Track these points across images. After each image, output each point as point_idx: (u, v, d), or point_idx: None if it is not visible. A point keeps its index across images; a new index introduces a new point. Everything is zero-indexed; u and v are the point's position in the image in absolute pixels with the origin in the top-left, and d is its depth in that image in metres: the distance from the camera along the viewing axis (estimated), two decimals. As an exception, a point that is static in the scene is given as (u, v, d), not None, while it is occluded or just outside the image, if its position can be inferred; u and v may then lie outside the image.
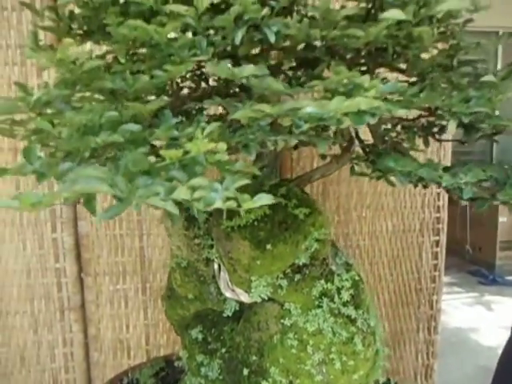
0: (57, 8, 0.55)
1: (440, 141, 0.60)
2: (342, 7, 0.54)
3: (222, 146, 0.34)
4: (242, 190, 0.38)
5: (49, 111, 0.41)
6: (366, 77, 0.31)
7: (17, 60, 1.14)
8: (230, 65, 0.34)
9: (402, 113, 0.31)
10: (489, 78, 0.41)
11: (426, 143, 0.57)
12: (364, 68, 0.46)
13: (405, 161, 0.39)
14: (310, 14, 0.40)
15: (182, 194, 0.25)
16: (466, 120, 0.37)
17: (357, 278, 0.57)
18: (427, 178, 0.39)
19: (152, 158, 0.30)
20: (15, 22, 1.12)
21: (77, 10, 0.58)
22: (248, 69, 0.32)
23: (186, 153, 0.28)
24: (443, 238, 1.41)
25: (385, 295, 1.40)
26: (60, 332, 1.25)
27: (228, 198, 0.26)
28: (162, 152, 0.27)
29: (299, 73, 0.43)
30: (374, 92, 0.30)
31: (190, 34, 0.50)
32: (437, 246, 1.41)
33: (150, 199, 0.24)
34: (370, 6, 0.43)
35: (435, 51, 0.58)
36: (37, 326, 1.24)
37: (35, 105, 0.38)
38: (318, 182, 1.18)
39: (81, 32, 0.60)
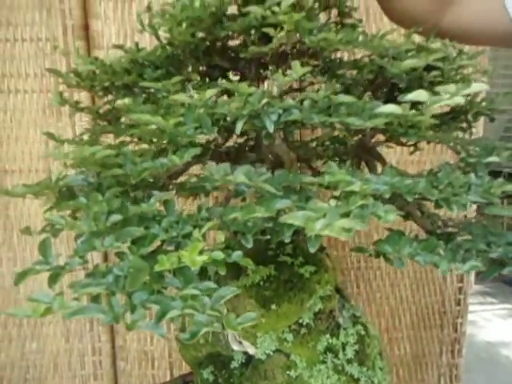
0: (79, 71, 0.59)
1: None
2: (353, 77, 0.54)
3: (221, 236, 0.36)
4: (248, 252, 0.40)
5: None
6: (357, 183, 0.32)
7: (50, 87, 1.21)
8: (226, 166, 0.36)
9: (393, 217, 0.32)
10: (493, 158, 0.40)
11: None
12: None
13: (402, 243, 0.39)
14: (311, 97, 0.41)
15: (172, 314, 0.27)
16: (463, 210, 0.37)
17: (362, 332, 0.58)
18: (424, 263, 0.39)
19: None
20: (49, 51, 1.19)
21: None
22: (240, 176, 0.34)
23: (181, 261, 0.30)
24: (469, 261, 1.37)
25: (407, 317, 1.39)
26: (90, 341, 1.33)
27: (215, 317, 0.28)
28: (158, 263, 0.30)
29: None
30: (365, 200, 0.31)
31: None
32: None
33: (140, 326, 0.27)
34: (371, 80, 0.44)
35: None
36: (68, 335, 1.32)
37: (54, 188, 0.42)
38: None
39: (101, 88, 0.64)
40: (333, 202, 0.32)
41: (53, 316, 1.31)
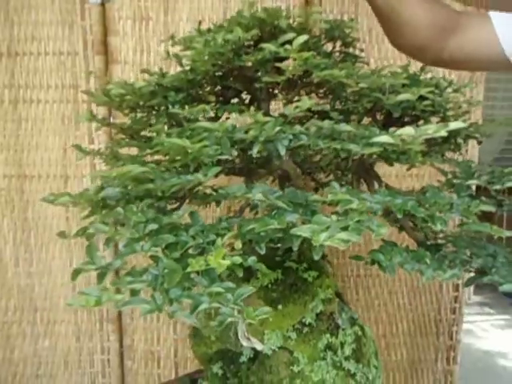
0: (109, 92, 0.66)
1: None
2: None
3: (238, 244, 0.43)
4: (258, 258, 0.47)
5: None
6: (355, 202, 0.38)
7: (70, 98, 1.28)
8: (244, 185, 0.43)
9: (384, 231, 0.38)
10: (473, 181, 0.47)
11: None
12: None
13: (393, 253, 0.46)
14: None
15: (203, 307, 0.33)
16: (444, 226, 0.43)
17: (359, 332, 0.64)
18: (411, 270, 0.45)
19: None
20: (70, 64, 1.26)
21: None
22: (257, 194, 0.40)
23: (208, 264, 0.37)
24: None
25: (403, 324, 1.44)
26: (99, 340, 1.39)
27: (236, 310, 0.35)
28: (189, 262, 0.36)
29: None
30: (362, 216, 0.37)
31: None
32: (458, 278, 1.43)
33: (179, 315, 0.33)
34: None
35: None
36: (79, 334, 1.38)
37: (94, 199, 0.48)
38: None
39: (127, 107, 0.71)
40: (334, 217, 0.39)
41: (65, 316, 1.37)
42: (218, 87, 0.72)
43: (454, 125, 0.38)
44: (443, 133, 0.40)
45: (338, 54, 0.72)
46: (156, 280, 0.35)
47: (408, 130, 0.38)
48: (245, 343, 0.63)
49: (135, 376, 1.41)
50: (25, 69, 1.26)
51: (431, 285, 1.43)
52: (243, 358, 0.63)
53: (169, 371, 1.42)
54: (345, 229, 0.36)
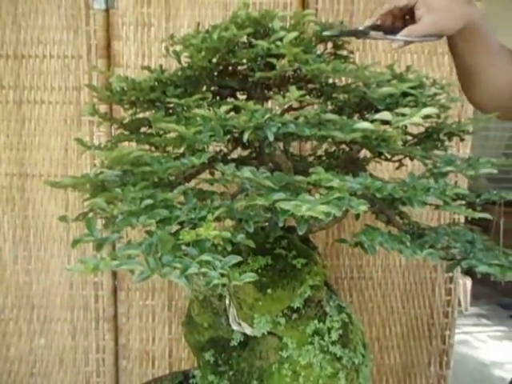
0: (111, 86, 0.69)
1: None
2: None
3: (228, 222, 0.46)
4: (251, 238, 0.49)
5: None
6: (336, 180, 0.41)
7: (73, 100, 1.32)
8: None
9: (363, 208, 0.41)
10: (450, 168, 0.50)
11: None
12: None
13: (375, 234, 0.48)
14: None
15: (192, 270, 0.36)
16: (422, 207, 0.46)
17: (346, 320, 0.66)
18: (391, 249, 0.48)
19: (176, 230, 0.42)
20: (74, 67, 1.31)
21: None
22: (246, 172, 0.43)
23: (198, 235, 0.39)
24: (456, 275, 1.44)
25: (397, 327, 1.45)
26: (94, 339, 1.40)
27: (223, 275, 0.37)
28: (181, 234, 0.39)
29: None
30: (342, 193, 0.40)
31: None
32: (450, 282, 1.45)
33: (170, 276, 0.36)
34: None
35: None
36: (75, 333, 1.40)
37: (94, 181, 0.51)
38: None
39: (128, 102, 0.74)
40: (317, 195, 0.42)
41: (61, 314, 1.38)
42: (215, 87, 0.76)
43: (426, 110, 0.42)
44: (418, 118, 0.44)
45: (328, 55, 0.75)
46: (150, 248, 0.38)
47: (385, 115, 0.42)
48: (235, 327, 0.65)
49: (129, 375, 1.42)
50: (30, 71, 1.30)
51: (424, 288, 1.45)
52: (233, 343, 0.65)
53: (163, 371, 1.42)
54: (326, 203, 0.39)
